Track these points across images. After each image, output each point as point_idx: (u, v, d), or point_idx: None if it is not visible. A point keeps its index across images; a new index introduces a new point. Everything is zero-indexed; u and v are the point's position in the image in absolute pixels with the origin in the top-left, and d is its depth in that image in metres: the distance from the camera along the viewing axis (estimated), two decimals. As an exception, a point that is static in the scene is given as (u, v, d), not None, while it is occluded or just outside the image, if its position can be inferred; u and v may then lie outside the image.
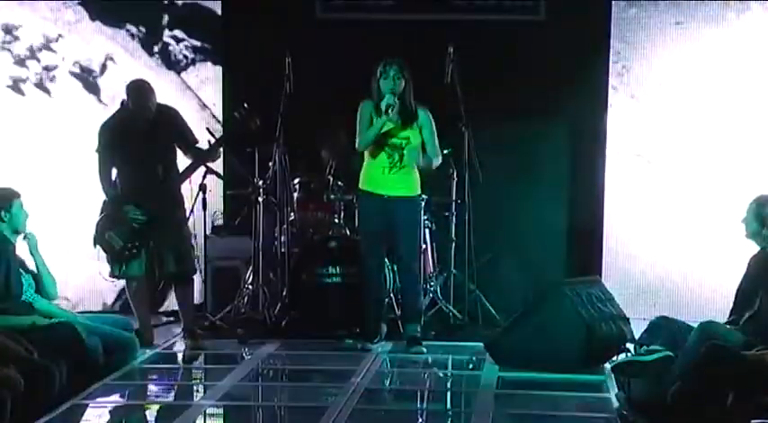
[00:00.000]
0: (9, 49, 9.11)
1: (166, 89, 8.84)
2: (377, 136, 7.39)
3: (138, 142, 7.43)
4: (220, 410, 6.18)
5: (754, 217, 6.45)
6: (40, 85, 9.12)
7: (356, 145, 7.49)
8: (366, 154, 7.51)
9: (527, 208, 8.76)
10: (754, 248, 6.49)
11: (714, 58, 8.68)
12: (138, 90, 7.54)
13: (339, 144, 8.79)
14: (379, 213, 7.49)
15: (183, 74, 9.14)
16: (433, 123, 7.53)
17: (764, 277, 6.24)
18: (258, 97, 8.08)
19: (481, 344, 7.24)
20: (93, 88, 9.12)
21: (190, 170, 7.72)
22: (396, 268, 7.84)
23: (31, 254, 6.87)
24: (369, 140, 7.41)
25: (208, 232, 8.67)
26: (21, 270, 6.69)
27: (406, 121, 7.45)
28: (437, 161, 7.61)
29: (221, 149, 7.87)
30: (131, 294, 7.68)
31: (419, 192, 7.63)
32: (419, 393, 6.75)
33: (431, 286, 8.29)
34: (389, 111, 7.33)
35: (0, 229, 6.58)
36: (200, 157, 7.68)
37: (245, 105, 7.66)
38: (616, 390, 6.25)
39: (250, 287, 8.34)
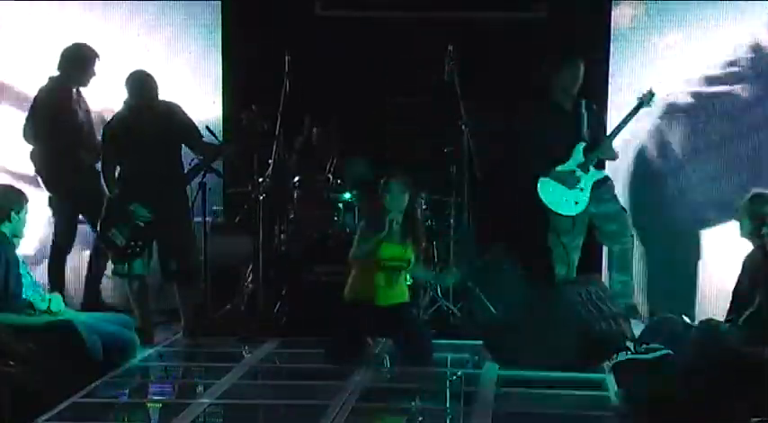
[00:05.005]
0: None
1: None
2: (372, 254, 7.04)
3: (142, 141, 7.41)
4: (220, 409, 6.17)
5: (747, 215, 6.46)
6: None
7: (350, 255, 7.12)
8: (358, 267, 7.14)
9: (527, 206, 8.74)
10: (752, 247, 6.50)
11: (717, 56, 8.66)
12: (139, 81, 7.52)
13: (338, 142, 8.79)
14: (367, 319, 7.14)
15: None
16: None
17: (764, 275, 6.24)
18: (258, 95, 8.07)
19: (481, 342, 7.25)
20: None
21: (198, 169, 7.67)
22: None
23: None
24: (362, 255, 7.06)
25: (207, 231, 8.66)
26: (21, 269, 6.69)
27: (407, 238, 7.15)
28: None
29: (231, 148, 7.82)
30: (132, 292, 7.68)
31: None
32: (418, 392, 6.75)
33: (430, 285, 8.27)
34: (392, 225, 7.04)
35: (2, 229, 6.56)
36: (210, 156, 7.63)
37: (253, 107, 7.63)
38: (616, 388, 6.24)
39: (250, 286, 8.34)
